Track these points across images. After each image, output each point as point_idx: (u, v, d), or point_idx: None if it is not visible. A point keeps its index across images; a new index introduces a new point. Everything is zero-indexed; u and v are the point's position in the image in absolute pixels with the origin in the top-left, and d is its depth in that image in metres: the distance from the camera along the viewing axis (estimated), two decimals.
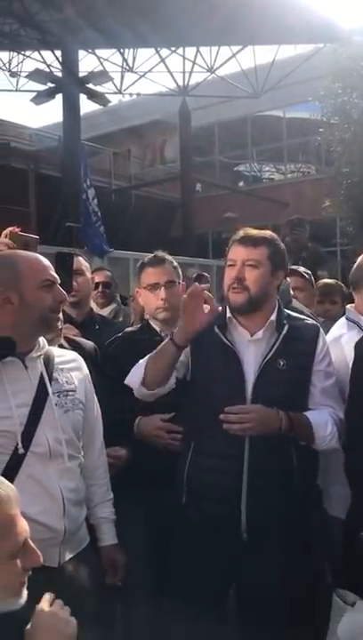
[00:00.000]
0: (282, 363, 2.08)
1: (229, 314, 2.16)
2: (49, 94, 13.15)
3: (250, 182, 22.23)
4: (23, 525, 1.28)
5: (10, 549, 1.24)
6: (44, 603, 1.33)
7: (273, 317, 2.14)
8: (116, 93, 18.40)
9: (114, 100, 17.68)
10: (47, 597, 1.35)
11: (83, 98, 13.32)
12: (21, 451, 1.72)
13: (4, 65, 20.01)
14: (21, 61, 19.61)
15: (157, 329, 2.61)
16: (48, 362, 1.86)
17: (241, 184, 22.57)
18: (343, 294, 3.77)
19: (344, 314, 2.52)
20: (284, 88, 17.14)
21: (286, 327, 2.13)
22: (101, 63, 17.63)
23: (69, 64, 13.21)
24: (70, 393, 1.89)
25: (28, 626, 1.30)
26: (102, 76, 14.17)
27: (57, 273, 1.89)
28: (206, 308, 2.03)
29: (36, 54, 17.93)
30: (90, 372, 2.05)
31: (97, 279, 4.39)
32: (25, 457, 1.73)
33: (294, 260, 4.12)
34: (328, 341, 2.27)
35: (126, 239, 11.77)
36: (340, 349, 2.32)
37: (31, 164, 17.06)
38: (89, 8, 12.84)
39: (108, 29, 14.35)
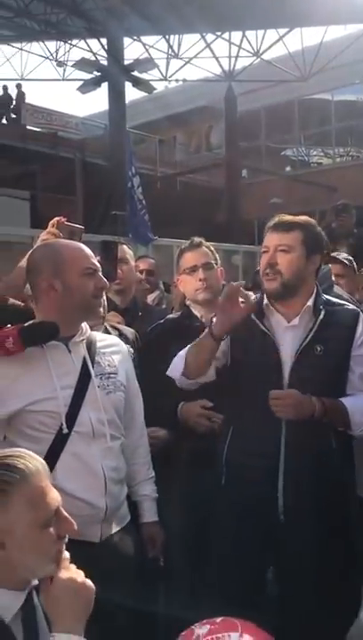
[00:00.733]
0: (319, 348, 2.10)
1: (265, 300, 2.19)
2: (95, 83, 13.27)
3: (297, 167, 21.90)
4: (54, 496, 1.35)
5: (42, 518, 1.31)
6: (61, 571, 1.38)
7: (310, 303, 2.15)
8: (161, 80, 18.40)
9: (159, 86, 17.69)
10: (66, 563, 1.39)
11: (128, 85, 13.40)
12: (65, 430, 1.80)
13: (52, 55, 20.28)
14: (68, 51, 19.83)
15: (198, 315, 2.65)
16: (90, 346, 1.93)
17: (288, 169, 22.26)
18: None
19: None
20: (332, 70, 16.75)
21: (322, 312, 2.14)
22: (147, 50, 17.63)
23: (115, 52, 13.30)
24: (112, 375, 1.96)
25: (44, 590, 1.35)
26: (148, 63, 14.21)
27: (102, 261, 1.96)
28: (243, 301, 2.05)
29: (82, 43, 18.06)
30: (131, 358, 2.12)
31: (141, 267, 4.46)
32: (69, 436, 1.81)
33: (338, 247, 4.09)
34: None
35: (171, 226, 11.80)
36: None
37: (78, 152, 17.24)
38: None
39: (154, 16, 14.35)
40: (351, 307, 2.31)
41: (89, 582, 1.38)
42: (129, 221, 8.19)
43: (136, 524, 2.08)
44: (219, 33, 17.47)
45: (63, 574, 1.36)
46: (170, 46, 17.92)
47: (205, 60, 18.63)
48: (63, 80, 20.39)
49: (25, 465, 1.33)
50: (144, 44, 17.60)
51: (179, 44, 18.05)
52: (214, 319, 2.09)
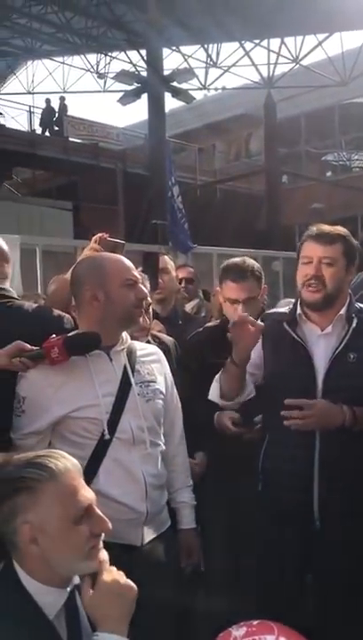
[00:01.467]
0: (352, 356, 2.11)
1: (299, 310, 2.20)
2: (135, 94, 13.41)
3: (338, 172, 21.67)
4: (85, 494, 1.40)
5: (72, 515, 1.36)
6: (104, 573, 1.42)
7: (343, 311, 2.16)
8: (200, 89, 18.51)
9: (198, 95, 17.79)
10: (104, 568, 1.43)
11: (168, 95, 13.51)
12: (107, 437, 1.86)
13: (92, 67, 20.65)
14: (108, 63, 20.20)
15: None
16: (131, 355, 1.99)
17: (329, 174, 22.06)
18: None
19: None
20: None
21: (355, 320, 2.15)
22: (186, 60, 17.79)
23: (154, 63, 13.42)
24: (151, 383, 2.01)
25: (86, 593, 1.39)
26: (187, 73, 14.28)
27: (144, 271, 2.02)
28: (253, 328, 2.08)
29: (122, 55, 18.35)
30: (170, 366, 2.17)
31: (180, 275, 4.51)
32: (111, 443, 1.87)
33: None
34: None
35: (211, 234, 11.84)
36: None
37: (119, 163, 17.47)
38: (173, 6, 13.01)
39: (193, 26, 14.48)
40: None
41: (131, 583, 1.41)
42: (169, 230, 8.26)
43: (175, 530, 2.12)
44: (257, 40, 17.48)
45: (106, 576, 1.40)
46: (209, 55, 18.03)
47: (244, 68, 18.64)
48: (104, 92, 20.74)
49: (54, 464, 1.38)
50: (183, 54, 17.76)
51: (217, 53, 18.15)
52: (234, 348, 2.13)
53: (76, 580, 1.43)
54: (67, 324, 2.16)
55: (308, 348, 2.15)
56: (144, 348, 2.10)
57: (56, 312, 2.24)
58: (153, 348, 2.17)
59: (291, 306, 2.22)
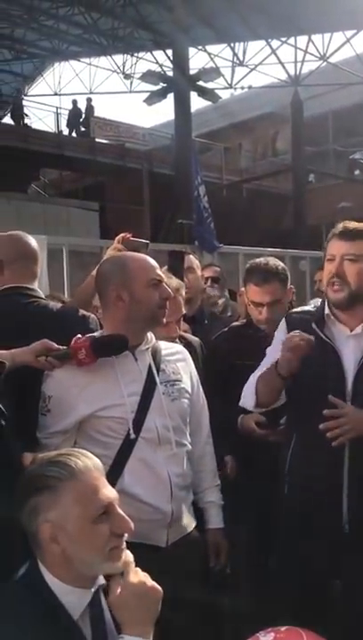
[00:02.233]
0: None
1: (327, 310, 2.16)
2: (161, 94, 13.45)
3: None
4: (107, 493, 1.39)
5: (91, 513, 1.35)
6: (130, 575, 1.40)
7: None
8: (226, 88, 18.46)
9: (224, 94, 17.75)
10: (131, 569, 1.42)
11: (193, 94, 13.50)
12: (133, 436, 1.85)
13: (119, 68, 20.75)
14: (135, 63, 20.26)
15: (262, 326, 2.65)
16: (156, 354, 1.98)
17: (357, 172, 21.80)
18: None
19: None
20: None
21: None
22: (212, 59, 17.76)
23: (180, 63, 13.42)
24: (176, 383, 2.00)
25: (113, 594, 1.37)
26: (213, 72, 14.27)
27: (169, 270, 2.01)
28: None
29: (148, 55, 18.40)
30: (196, 366, 2.16)
31: (206, 275, 4.49)
32: (136, 442, 1.86)
33: None
34: None
35: (238, 233, 11.79)
36: None
37: (145, 163, 17.54)
38: (199, 5, 13.00)
39: (219, 25, 14.44)
40: None
41: (156, 586, 1.40)
42: (195, 230, 8.25)
43: (201, 531, 2.10)
44: (284, 38, 17.37)
45: (131, 577, 1.39)
46: (235, 54, 17.98)
47: (271, 67, 18.54)
48: (130, 92, 20.82)
49: (74, 463, 1.38)
50: (209, 54, 17.74)
51: (244, 52, 18.09)
52: (280, 360, 2.08)
53: (101, 580, 1.42)
54: (92, 324, 2.17)
55: (337, 348, 2.10)
56: (169, 347, 2.08)
57: (81, 312, 2.25)
58: (178, 347, 2.16)
59: (318, 304, 2.17)
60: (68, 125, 19.75)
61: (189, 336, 2.69)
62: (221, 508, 2.16)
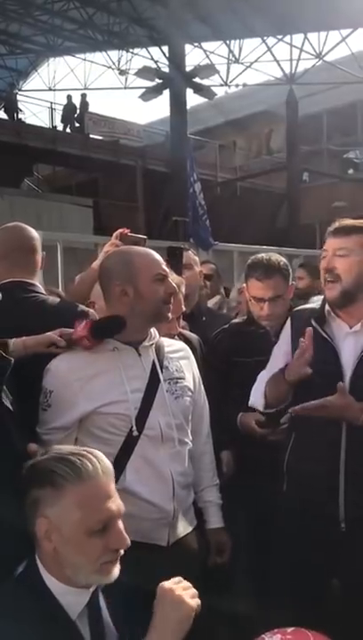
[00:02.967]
0: None
1: (327, 307, 2.14)
2: (156, 90, 13.38)
3: (360, 170, 21.46)
4: (110, 506, 1.35)
5: (88, 524, 1.32)
6: (172, 582, 1.39)
7: None
8: (222, 86, 18.43)
9: (219, 92, 17.72)
10: (177, 578, 1.41)
11: (188, 91, 13.47)
12: (135, 433, 1.82)
13: (114, 64, 20.68)
14: (130, 59, 20.21)
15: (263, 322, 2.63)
16: (159, 351, 1.95)
17: (350, 171, 21.86)
18: None
19: None
20: None
21: None
22: (208, 56, 17.72)
23: (176, 59, 13.38)
24: (180, 380, 1.97)
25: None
26: (209, 69, 14.22)
27: (168, 266, 1.99)
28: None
29: (143, 51, 18.34)
30: (196, 363, 2.13)
31: (202, 272, 4.47)
32: (139, 439, 1.83)
33: None
34: None
35: (232, 231, 11.79)
36: None
37: (139, 159, 17.50)
38: (195, 2, 12.96)
39: (215, 22, 14.41)
40: None
41: (190, 602, 1.37)
42: (190, 227, 8.23)
43: (201, 530, 2.08)
44: (280, 36, 17.36)
45: (168, 584, 1.38)
46: (231, 51, 17.94)
47: (266, 64, 18.52)
48: (125, 88, 20.76)
49: (85, 465, 1.35)
50: (205, 51, 17.71)
51: (239, 49, 18.06)
52: (289, 366, 2.07)
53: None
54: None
55: (336, 345, 2.09)
56: (172, 344, 2.06)
57: (80, 307, 2.22)
58: (181, 345, 2.14)
59: (320, 302, 2.16)
60: (62, 121, 19.67)
61: (188, 333, 2.67)
62: (220, 507, 2.14)
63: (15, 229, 2.25)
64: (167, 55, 14.53)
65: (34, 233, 2.25)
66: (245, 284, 2.74)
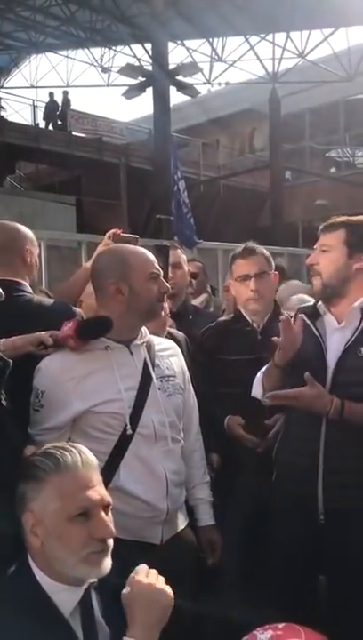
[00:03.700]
0: (362, 350, 2.06)
1: (320, 302, 2.18)
2: (140, 88, 13.35)
3: (342, 168, 21.61)
4: (91, 494, 1.36)
5: (68, 511, 1.33)
6: (141, 574, 1.40)
7: (356, 304, 2.10)
8: (205, 84, 18.41)
9: (202, 90, 17.72)
10: (144, 569, 1.42)
11: (172, 89, 13.45)
12: (129, 431, 1.83)
13: (96, 61, 20.55)
14: (113, 57, 20.08)
15: (249, 319, 2.65)
16: (150, 349, 1.96)
17: (333, 170, 21.99)
18: None
19: None
20: None
21: None
22: (191, 54, 17.69)
23: (159, 57, 13.34)
24: (171, 378, 1.98)
25: (125, 590, 1.37)
26: (192, 67, 14.19)
27: None
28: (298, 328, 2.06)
29: (126, 49, 18.26)
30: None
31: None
32: (132, 438, 1.84)
33: None
34: None
35: (215, 229, 11.82)
36: None
37: (122, 157, 17.45)
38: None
39: (197, 19, 14.40)
40: None
41: (166, 590, 1.38)
42: (175, 225, 8.23)
43: (193, 528, 2.09)
44: (263, 35, 17.38)
45: (140, 576, 1.38)
46: (213, 49, 17.93)
47: (249, 63, 18.53)
48: (108, 86, 20.65)
49: (63, 456, 1.37)
50: (188, 48, 17.68)
51: (222, 47, 18.05)
52: (277, 352, 2.09)
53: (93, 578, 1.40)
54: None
55: (323, 341, 2.12)
56: (161, 343, 2.07)
57: (70, 307, 2.22)
58: (170, 343, 2.14)
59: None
60: (44, 118, 19.53)
61: (175, 331, 2.68)
62: (211, 505, 2.15)
63: (0, 228, 2.22)
64: (150, 53, 14.49)
65: (22, 231, 2.22)
66: (230, 280, 2.76)
